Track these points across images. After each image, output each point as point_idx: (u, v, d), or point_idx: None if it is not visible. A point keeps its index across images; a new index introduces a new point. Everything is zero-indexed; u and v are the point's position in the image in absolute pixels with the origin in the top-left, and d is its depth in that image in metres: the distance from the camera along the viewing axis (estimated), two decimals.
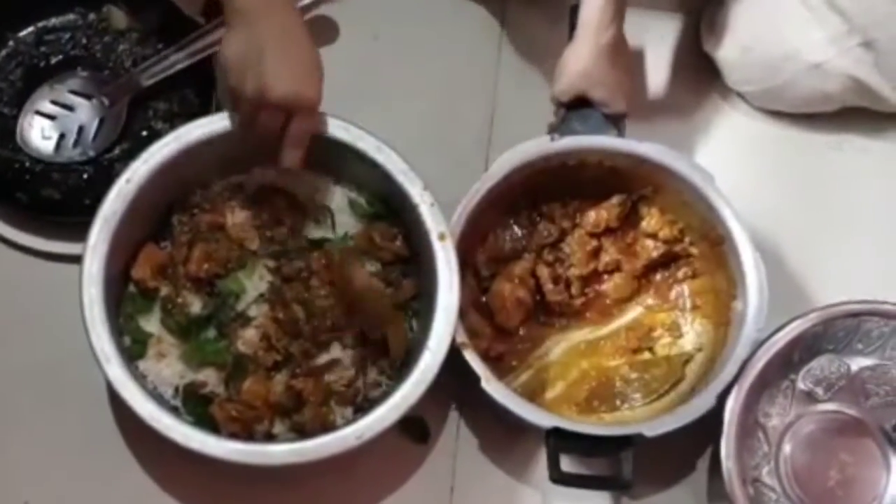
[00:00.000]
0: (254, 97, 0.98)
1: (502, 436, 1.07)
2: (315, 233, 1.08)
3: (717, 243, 1.08)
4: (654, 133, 1.14)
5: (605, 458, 1.03)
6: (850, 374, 1.07)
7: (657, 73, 1.22)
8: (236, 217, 1.07)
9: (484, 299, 1.10)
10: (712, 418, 1.02)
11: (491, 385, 1.01)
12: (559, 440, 1.00)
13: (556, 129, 1.10)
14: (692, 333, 1.11)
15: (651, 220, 1.12)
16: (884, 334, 1.06)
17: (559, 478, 1.00)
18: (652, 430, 1.00)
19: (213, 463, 0.97)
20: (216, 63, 1.05)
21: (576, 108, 1.10)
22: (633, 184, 1.11)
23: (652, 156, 1.09)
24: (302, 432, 1.02)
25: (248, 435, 1.01)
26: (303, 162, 1.02)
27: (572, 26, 1.10)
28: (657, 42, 1.22)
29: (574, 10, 1.10)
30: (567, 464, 1.02)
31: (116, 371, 0.97)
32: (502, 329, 1.09)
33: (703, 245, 1.11)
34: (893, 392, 1.07)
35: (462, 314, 1.02)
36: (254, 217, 1.07)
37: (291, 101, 0.98)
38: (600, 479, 1.04)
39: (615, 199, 1.12)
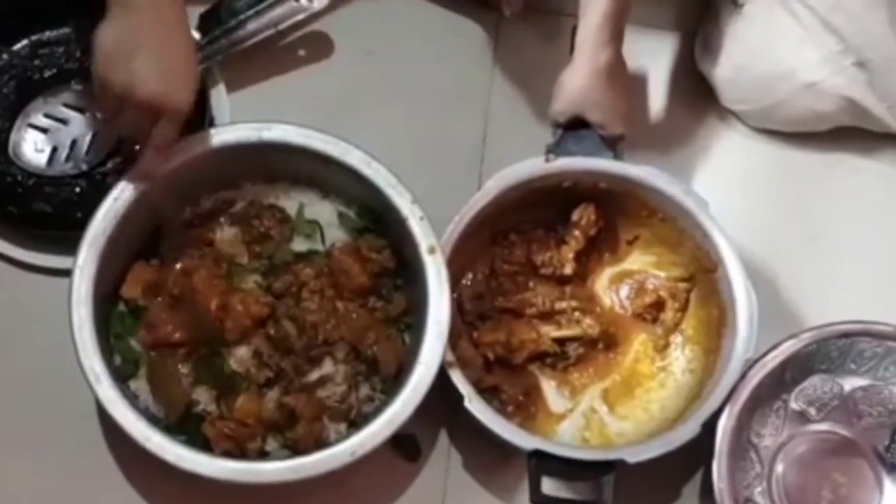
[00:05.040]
0: (120, 92, 0.95)
1: (492, 455, 1.07)
2: (304, 247, 1.08)
3: (709, 270, 1.08)
4: (648, 151, 1.14)
5: (587, 482, 1.02)
6: (842, 395, 1.07)
7: (652, 92, 1.22)
8: (225, 233, 1.07)
9: (475, 334, 1.09)
10: (699, 446, 1.01)
11: (474, 404, 1.01)
12: (541, 462, 1.00)
13: (553, 150, 1.09)
14: (682, 359, 1.11)
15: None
16: (877, 354, 1.06)
17: (540, 500, 1.00)
18: (634, 455, 1.00)
19: (203, 480, 0.97)
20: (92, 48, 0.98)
21: (573, 128, 1.10)
22: (628, 207, 1.11)
23: (647, 180, 1.08)
24: (295, 449, 1.02)
25: (240, 452, 1.01)
26: (154, 171, 0.99)
27: (573, 47, 1.09)
28: (652, 61, 1.21)
29: (575, 31, 1.10)
30: (550, 486, 1.01)
31: (107, 391, 0.97)
32: (497, 362, 1.09)
33: (695, 271, 1.10)
34: (886, 413, 1.07)
35: (453, 344, 1.02)
36: (243, 233, 1.07)
37: (158, 103, 0.96)
38: (581, 503, 1.03)
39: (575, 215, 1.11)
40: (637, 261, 1.13)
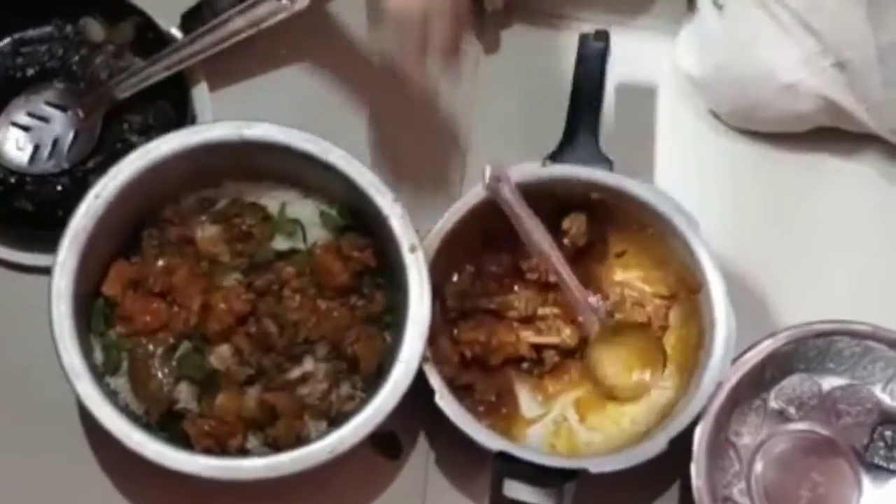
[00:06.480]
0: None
1: (468, 454, 1.06)
2: (285, 246, 1.09)
3: (693, 290, 1.08)
4: (628, 150, 1.14)
5: (548, 488, 1.02)
6: (821, 394, 1.08)
7: (634, 92, 1.21)
8: (206, 231, 1.07)
9: (455, 332, 1.09)
10: (673, 463, 1.01)
11: (445, 401, 1.01)
12: (504, 464, 1.00)
13: (549, 156, 1.09)
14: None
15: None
16: (855, 354, 1.06)
17: (499, 502, 1.00)
18: (597, 466, 1.00)
19: (185, 477, 0.97)
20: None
21: (572, 140, 1.09)
22: (619, 220, 1.10)
23: (639, 194, 1.08)
24: (276, 447, 1.02)
25: (221, 450, 1.01)
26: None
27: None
28: (634, 61, 1.21)
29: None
30: (513, 489, 1.01)
31: (87, 388, 0.97)
32: (474, 361, 1.08)
33: (679, 289, 1.10)
34: (865, 412, 1.07)
35: (431, 340, 1.02)
36: (224, 231, 1.08)
37: None
38: None
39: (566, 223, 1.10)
40: (623, 274, 1.13)
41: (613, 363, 1.09)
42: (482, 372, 1.08)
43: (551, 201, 1.09)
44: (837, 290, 1.15)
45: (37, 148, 1.14)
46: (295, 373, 1.05)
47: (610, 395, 1.08)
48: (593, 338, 1.08)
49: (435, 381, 1.02)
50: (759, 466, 1.07)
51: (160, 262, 1.06)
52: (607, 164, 1.09)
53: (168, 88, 1.15)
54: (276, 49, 1.20)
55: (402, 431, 1.07)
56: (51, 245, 1.02)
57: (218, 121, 1.10)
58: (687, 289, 1.09)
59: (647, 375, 1.09)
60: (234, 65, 1.18)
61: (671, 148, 1.20)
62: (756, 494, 1.06)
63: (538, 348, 1.09)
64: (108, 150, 1.15)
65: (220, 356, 1.04)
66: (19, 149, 1.14)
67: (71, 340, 0.98)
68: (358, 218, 1.08)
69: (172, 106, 1.16)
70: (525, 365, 1.10)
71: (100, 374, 1.01)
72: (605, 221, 1.11)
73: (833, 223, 1.19)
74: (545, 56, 1.18)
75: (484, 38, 1.22)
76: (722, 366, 1.03)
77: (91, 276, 1.03)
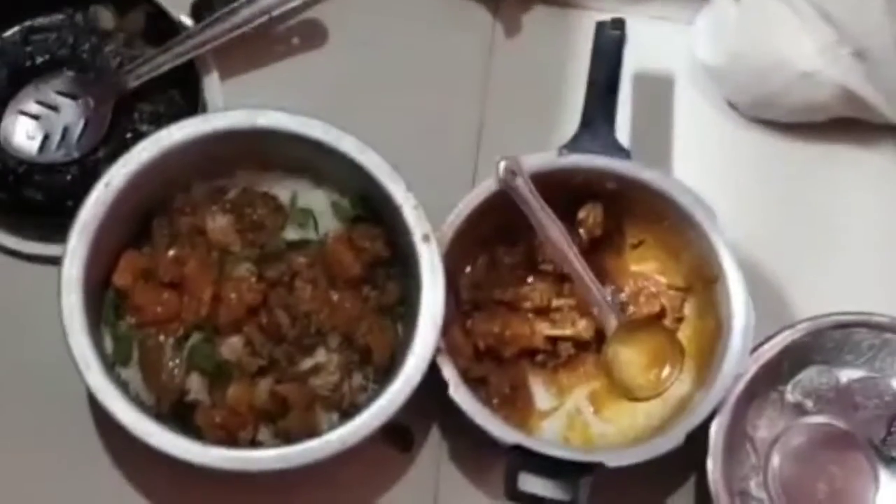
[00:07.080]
0: None
1: (482, 447, 1.06)
2: (297, 236, 1.08)
3: (710, 281, 1.07)
4: (645, 140, 1.13)
5: (564, 482, 1.00)
6: (839, 386, 1.07)
7: (651, 82, 1.20)
8: (217, 221, 1.07)
9: (469, 323, 1.08)
10: (689, 457, 1.01)
11: (459, 393, 1.01)
12: (519, 458, 0.99)
13: (566, 145, 1.08)
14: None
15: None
16: (873, 346, 1.06)
17: (514, 496, 0.99)
18: (613, 460, 0.99)
19: (196, 469, 0.96)
20: None
21: (588, 129, 1.08)
22: (636, 210, 1.09)
23: (655, 184, 1.07)
24: (287, 438, 1.01)
25: (232, 441, 1.00)
26: None
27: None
28: (651, 50, 1.20)
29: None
30: (528, 483, 1.00)
31: (97, 379, 0.97)
32: (488, 353, 1.08)
33: (695, 280, 1.09)
34: (883, 405, 1.06)
35: (445, 331, 1.01)
36: (235, 221, 1.07)
37: None
38: (556, 502, 1.01)
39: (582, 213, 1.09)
40: (639, 265, 1.12)
41: (631, 363, 1.08)
42: (496, 364, 1.07)
43: (567, 191, 1.08)
44: (855, 282, 1.14)
45: (46, 137, 1.13)
46: (307, 364, 1.04)
47: (629, 395, 1.08)
48: (609, 337, 1.07)
49: (448, 373, 1.01)
50: (776, 460, 1.06)
51: (171, 252, 1.05)
52: (624, 153, 1.08)
53: (179, 77, 1.15)
54: (287, 37, 1.20)
55: (415, 423, 1.07)
56: (61, 235, 1.01)
57: (229, 109, 1.09)
58: (704, 280, 1.07)
59: (665, 373, 1.08)
60: (245, 53, 1.17)
61: (688, 138, 1.19)
62: (773, 488, 1.05)
63: (553, 340, 1.09)
64: (118, 140, 1.14)
65: (232, 347, 1.03)
66: (29, 138, 1.13)
67: (81, 331, 0.97)
68: (370, 207, 1.07)
69: (183, 95, 1.15)
70: (539, 357, 1.09)
71: (110, 365, 1.00)
72: (622, 212, 1.10)
73: (850, 214, 1.18)
74: (562, 44, 1.17)
75: (502, 24, 1.22)
76: (740, 358, 1.02)
77: (101, 266, 1.03)
